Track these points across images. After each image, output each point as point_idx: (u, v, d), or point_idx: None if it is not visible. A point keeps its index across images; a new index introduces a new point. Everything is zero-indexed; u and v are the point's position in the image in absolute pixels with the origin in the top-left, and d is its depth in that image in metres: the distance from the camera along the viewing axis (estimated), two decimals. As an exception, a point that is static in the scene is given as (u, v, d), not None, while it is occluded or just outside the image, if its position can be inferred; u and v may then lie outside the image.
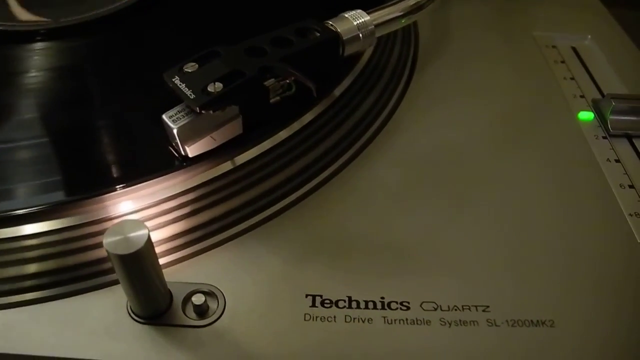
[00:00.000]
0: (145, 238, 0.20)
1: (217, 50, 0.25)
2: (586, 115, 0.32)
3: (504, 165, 0.30)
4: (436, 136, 0.31)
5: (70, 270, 0.25)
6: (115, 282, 0.25)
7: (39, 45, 0.33)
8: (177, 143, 0.25)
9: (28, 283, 0.24)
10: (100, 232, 0.25)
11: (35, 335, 0.23)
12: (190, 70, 0.25)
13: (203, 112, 0.23)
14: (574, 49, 0.36)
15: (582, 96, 0.33)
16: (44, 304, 0.24)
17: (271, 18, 0.34)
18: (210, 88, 0.24)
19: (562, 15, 0.39)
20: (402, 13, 0.29)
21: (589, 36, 0.37)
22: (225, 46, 0.26)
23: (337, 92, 0.30)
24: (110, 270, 0.25)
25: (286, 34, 0.26)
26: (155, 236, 0.26)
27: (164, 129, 0.25)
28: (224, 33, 0.34)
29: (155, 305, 0.23)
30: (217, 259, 0.25)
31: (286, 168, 0.28)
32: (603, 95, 0.33)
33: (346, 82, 0.30)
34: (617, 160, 0.29)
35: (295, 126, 0.28)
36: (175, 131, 0.24)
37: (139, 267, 0.21)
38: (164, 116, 0.25)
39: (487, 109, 0.32)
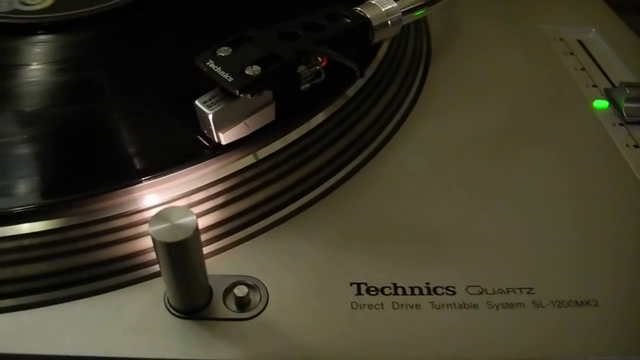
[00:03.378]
0: (194, 226, 0.19)
1: (249, 34, 0.25)
2: (601, 104, 0.32)
3: (527, 151, 0.30)
4: (457, 125, 0.31)
5: (101, 266, 0.23)
6: (149, 277, 0.23)
7: (43, 37, 0.32)
8: (210, 130, 0.24)
9: (58, 280, 0.23)
10: (131, 225, 0.24)
11: (70, 334, 0.22)
12: (224, 54, 0.24)
13: (241, 95, 0.23)
14: (579, 42, 0.37)
15: (594, 86, 0.33)
16: (75, 301, 0.23)
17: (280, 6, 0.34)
18: (248, 71, 0.23)
19: (564, 10, 0.40)
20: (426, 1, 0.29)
21: (593, 29, 0.38)
22: (257, 30, 0.25)
23: (360, 82, 0.30)
24: (144, 265, 0.24)
25: (318, 19, 0.26)
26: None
27: (196, 116, 0.24)
28: (230, 23, 0.33)
29: (197, 299, 0.22)
30: (254, 250, 0.25)
31: (319, 155, 0.27)
32: (613, 85, 0.34)
33: (368, 73, 0.30)
34: (636, 146, 0.30)
35: (329, 111, 0.27)
36: (210, 117, 0.23)
37: (185, 256, 0.20)
38: (197, 102, 0.24)
39: (504, 99, 0.33)
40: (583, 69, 0.34)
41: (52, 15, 0.34)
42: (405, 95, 0.32)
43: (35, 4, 0.35)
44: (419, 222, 0.26)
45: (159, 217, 0.19)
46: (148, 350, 0.21)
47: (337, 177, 0.27)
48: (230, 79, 0.23)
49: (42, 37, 0.32)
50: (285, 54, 0.24)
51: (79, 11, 0.34)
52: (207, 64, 0.23)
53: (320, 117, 0.27)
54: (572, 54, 0.36)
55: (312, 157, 0.27)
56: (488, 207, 0.27)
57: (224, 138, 0.24)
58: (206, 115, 0.23)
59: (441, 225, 0.26)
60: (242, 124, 0.24)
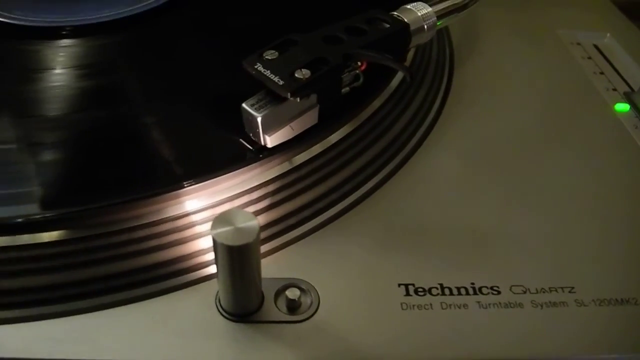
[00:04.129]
0: (257, 230, 0.19)
1: (294, 38, 0.25)
2: (622, 107, 0.33)
3: (554, 152, 0.30)
4: (485, 128, 0.31)
5: (149, 270, 0.23)
6: (198, 281, 0.23)
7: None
8: (257, 132, 0.24)
9: (107, 285, 0.23)
10: (177, 230, 0.24)
11: (121, 339, 0.21)
12: (270, 58, 0.24)
13: (291, 98, 0.23)
14: (595, 46, 0.38)
15: (614, 89, 0.34)
16: (125, 306, 0.22)
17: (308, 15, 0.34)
18: (297, 74, 0.23)
19: (578, 15, 0.41)
20: (459, 5, 0.29)
21: (608, 34, 0.39)
22: (301, 34, 0.25)
23: (394, 83, 0.30)
24: (191, 269, 0.24)
25: (358, 23, 0.26)
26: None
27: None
28: (253, 27, 0.33)
29: (252, 302, 0.22)
30: (300, 253, 0.25)
31: (359, 157, 0.27)
32: (631, 88, 0.34)
33: (399, 76, 0.30)
34: (658, 147, 0.31)
35: (363, 116, 0.28)
36: (259, 119, 0.23)
37: (245, 260, 0.20)
38: (244, 105, 0.24)
39: (528, 102, 0.33)
40: (602, 73, 0.35)
41: (78, 18, 0.34)
42: (434, 98, 0.32)
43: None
44: (458, 223, 0.27)
45: (221, 219, 0.19)
46: (202, 354, 0.21)
47: (375, 179, 0.28)
48: (281, 82, 0.23)
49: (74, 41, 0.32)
50: (333, 58, 0.24)
51: (103, 15, 0.34)
52: (256, 67, 0.23)
53: (357, 121, 0.28)
54: (589, 58, 0.36)
55: (352, 159, 0.27)
56: (523, 207, 0.27)
57: (270, 141, 0.24)
58: (254, 117, 0.23)
59: (479, 225, 0.26)
60: (287, 126, 0.24)
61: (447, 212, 0.27)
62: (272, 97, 0.24)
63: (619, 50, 0.37)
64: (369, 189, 0.27)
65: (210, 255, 0.24)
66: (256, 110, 0.23)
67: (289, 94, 0.22)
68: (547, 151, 0.30)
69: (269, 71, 0.23)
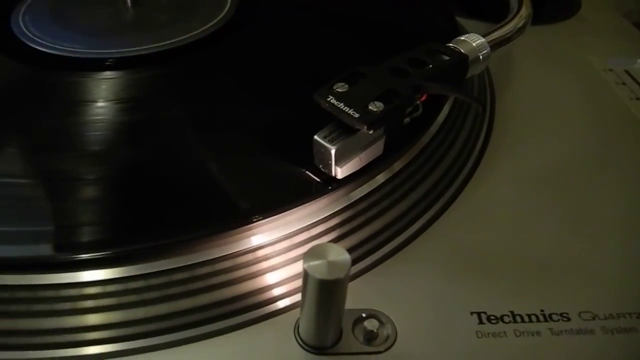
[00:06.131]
0: (348, 265, 0.19)
1: (360, 71, 0.25)
2: (662, 131, 0.34)
3: (605, 178, 0.31)
4: (534, 156, 0.32)
5: (227, 304, 0.23)
6: (274, 314, 0.23)
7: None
8: (329, 164, 0.24)
9: (184, 320, 0.23)
10: (251, 263, 0.24)
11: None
12: (341, 90, 0.24)
13: (369, 131, 0.23)
14: (627, 72, 0.39)
15: (652, 114, 0.35)
16: (204, 341, 0.23)
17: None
18: (371, 107, 0.23)
19: (607, 41, 0.42)
20: (509, 34, 0.30)
21: (639, 60, 0.40)
22: (367, 66, 0.26)
23: (440, 118, 0.30)
24: (265, 303, 0.24)
25: (420, 55, 0.27)
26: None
27: (313, 150, 0.25)
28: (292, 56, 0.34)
29: (334, 335, 0.22)
30: (370, 284, 0.25)
31: (418, 187, 0.28)
32: (667, 113, 0.35)
33: (446, 109, 0.31)
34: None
35: (419, 146, 0.28)
36: (333, 151, 0.24)
37: (335, 294, 0.20)
38: (316, 137, 0.24)
39: (570, 129, 0.34)
40: (638, 99, 0.36)
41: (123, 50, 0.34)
42: (480, 128, 0.33)
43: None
44: (519, 249, 0.27)
45: (313, 253, 0.19)
46: (286, 386, 0.21)
47: (434, 209, 0.28)
48: (357, 115, 0.23)
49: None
50: (402, 90, 0.24)
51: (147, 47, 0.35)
52: (328, 99, 0.24)
53: (415, 150, 0.28)
54: (624, 84, 0.37)
55: (413, 188, 0.28)
56: (581, 232, 0.28)
57: (341, 172, 0.24)
58: (328, 149, 0.24)
59: (540, 251, 0.27)
60: (357, 158, 0.25)
61: (507, 239, 0.27)
62: (343, 129, 0.24)
63: (651, 76, 0.38)
64: (429, 219, 0.28)
65: (282, 289, 0.24)
66: (329, 142, 0.24)
67: (366, 126, 0.23)
68: (597, 176, 0.31)
69: (342, 104, 0.24)
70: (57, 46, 0.35)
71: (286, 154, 0.27)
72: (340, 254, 0.19)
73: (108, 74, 0.33)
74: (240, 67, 0.33)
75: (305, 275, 0.19)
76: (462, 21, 0.41)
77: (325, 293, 0.20)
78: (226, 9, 0.38)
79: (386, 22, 0.37)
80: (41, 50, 0.35)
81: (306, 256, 0.19)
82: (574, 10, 0.45)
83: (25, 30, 0.37)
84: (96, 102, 0.31)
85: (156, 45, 0.35)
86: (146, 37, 0.36)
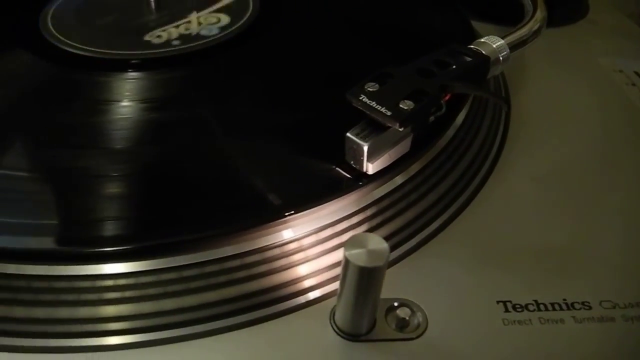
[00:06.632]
0: (387, 253, 0.20)
1: (388, 71, 0.26)
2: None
3: (618, 174, 0.32)
4: (550, 154, 0.33)
5: (262, 294, 0.24)
6: (308, 304, 0.24)
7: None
8: (361, 160, 0.25)
9: (224, 309, 0.24)
10: (282, 256, 0.25)
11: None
12: (372, 89, 0.25)
13: (400, 129, 0.24)
14: (636, 73, 0.40)
15: (662, 115, 0.36)
16: (241, 330, 0.24)
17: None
18: (402, 105, 0.25)
19: (615, 43, 0.43)
20: (525, 37, 0.31)
21: (647, 61, 0.41)
22: (394, 67, 0.27)
23: (459, 119, 0.32)
24: (296, 294, 0.25)
25: (444, 57, 0.28)
26: (337, 257, 0.26)
27: (345, 147, 0.26)
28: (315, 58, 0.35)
29: (370, 322, 0.23)
30: (400, 274, 0.26)
31: (440, 184, 0.29)
32: (676, 113, 0.37)
33: (463, 112, 0.32)
34: None
35: (441, 143, 0.29)
36: (365, 148, 0.25)
37: (374, 281, 0.21)
38: (349, 134, 0.25)
39: (583, 129, 0.35)
40: (648, 99, 0.38)
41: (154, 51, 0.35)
42: (497, 127, 0.34)
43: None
44: (540, 242, 0.28)
45: (353, 242, 0.21)
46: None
47: (457, 204, 0.29)
48: (389, 113, 0.24)
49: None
50: (430, 90, 0.25)
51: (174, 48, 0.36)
52: (360, 98, 0.25)
53: (438, 147, 0.29)
54: (634, 84, 0.39)
55: (437, 184, 0.29)
56: (600, 225, 0.29)
57: (372, 168, 0.26)
58: (360, 146, 0.25)
59: (560, 243, 0.28)
60: (386, 154, 0.26)
61: (528, 232, 0.28)
62: (373, 127, 0.25)
63: (659, 77, 0.40)
64: (451, 214, 0.29)
65: (313, 281, 0.25)
66: (362, 139, 0.25)
67: (398, 123, 0.24)
68: (612, 172, 0.32)
69: (374, 102, 0.25)
70: (83, 47, 0.36)
71: (316, 152, 0.28)
72: (379, 243, 0.21)
73: (132, 74, 0.34)
74: (266, 68, 0.34)
75: (346, 263, 0.20)
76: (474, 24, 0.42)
77: (364, 280, 0.21)
78: (249, 11, 0.39)
79: (405, 28, 0.38)
80: (68, 51, 0.36)
81: (347, 245, 0.20)
82: (583, 13, 0.46)
83: (53, 31, 0.38)
84: (121, 101, 0.32)
85: (180, 47, 0.36)
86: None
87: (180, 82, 0.34)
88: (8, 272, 0.24)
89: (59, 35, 0.37)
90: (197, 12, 0.40)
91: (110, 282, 0.24)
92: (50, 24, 0.38)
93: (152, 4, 0.40)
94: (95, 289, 0.24)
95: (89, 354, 0.23)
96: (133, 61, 0.35)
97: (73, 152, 0.29)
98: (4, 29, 0.39)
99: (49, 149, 0.29)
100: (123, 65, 0.35)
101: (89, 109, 0.32)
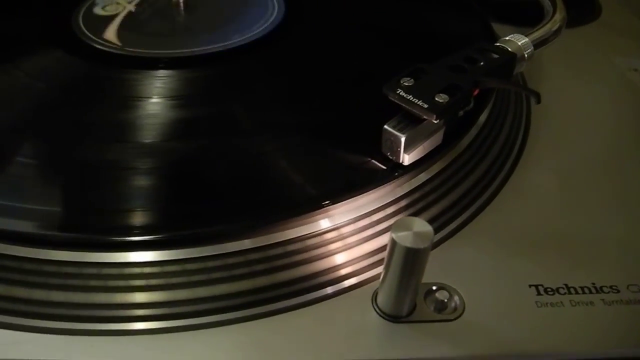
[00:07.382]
0: (432, 236, 0.22)
1: (422, 67, 0.28)
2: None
3: (638, 167, 0.33)
4: (572, 149, 0.34)
5: (308, 279, 0.25)
6: (349, 289, 0.26)
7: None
8: (398, 151, 0.27)
9: (276, 292, 0.25)
10: (321, 245, 0.26)
11: (292, 342, 0.24)
12: (408, 84, 0.27)
13: (435, 121, 0.25)
14: (649, 72, 0.41)
15: (679, 112, 0.38)
16: (286, 313, 0.25)
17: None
18: (438, 98, 0.26)
19: (629, 42, 0.45)
20: (545, 36, 0.33)
21: (661, 60, 0.43)
22: (426, 64, 0.28)
23: (482, 118, 0.33)
24: (337, 280, 0.26)
25: (473, 54, 0.29)
26: (374, 245, 0.27)
27: (382, 139, 0.27)
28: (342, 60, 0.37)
29: (411, 303, 0.24)
30: (437, 260, 0.27)
31: (474, 171, 0.30)
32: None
33: (486, 113, 0.33)
34: None
35: (473, 132, 0.31)
36: (402, 139, 0.26)
37: (418, 263, 0.22)
38: (386, 126, 0.26)
39: (602, 125, 0.36)
40: (663, 96, 0.39)
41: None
42: (519, 123, 0.35)
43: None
44: (567, 230, 0.29)
45: (400, 225, 0.22)
46: (372, 352, 0.23)
47: (487, 194, 0.30)
48: (426, 106, 0.25)
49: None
50: (464, 84, 0.27)
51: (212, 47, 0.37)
52: (397, 92, 0.26)
53: (466, 140, 0.31)
54: (648, 83, 0.40)
55: (467, 176, 0.30)
56: (624, 214, 0.30)
57: (408, 159, 0.27)
58: (398, 138, 0.26)
59: (587, 231, 0.29)
60: (421, 146, 0.27)
61: (554, 222, 0.30)
62: (410, 119, 0.26)
63: (674, 75, 0.41)
64: (481, 204, 0.30)
65: (351, 268, 0.26)
66: (399, 131, 0.26)
67: (434, 115, 0.25)
68: (633, 164, 0.33)
69: (411, 96, 0.26)
70: (115, 45, 0.38)
71: (351, 146, 0.29)
72: (423, 226, 0.22)
73: (162, 72, 0.36)
74: (297, 66, 0.36)
75: (393, 244, 0.22)
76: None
77: (409, 262, 0.22)
78: (274, 14, 0.41)
79: (427, 32, 0.40)
80: (101, 49, 0.37)
81: (394, 227, 0.22)
82: (596, 14, 0.48)
83: (85, 30, 0.39)
84: (151, 97, 0.34)
85: (206, 47, 0.37)
86: (197, 40, 0.38)
87: (211, 80, 0.35)
88: (40, 257, 0.25)
89: (89, 34, 0.39)
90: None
91: (158, 269, 0.25)
92: (81, 23, 0.40)
93: (181, 5, 0.42)
94: (123, 275, 0.25)
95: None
96: (163, 59, 0.36)
97: (104, 147, 0.30)
98: (39, 28, 0.40)
99: (81, 142, 0.30)
100: (154, 63, 0.36)
101: (119, 105, 0.33)
